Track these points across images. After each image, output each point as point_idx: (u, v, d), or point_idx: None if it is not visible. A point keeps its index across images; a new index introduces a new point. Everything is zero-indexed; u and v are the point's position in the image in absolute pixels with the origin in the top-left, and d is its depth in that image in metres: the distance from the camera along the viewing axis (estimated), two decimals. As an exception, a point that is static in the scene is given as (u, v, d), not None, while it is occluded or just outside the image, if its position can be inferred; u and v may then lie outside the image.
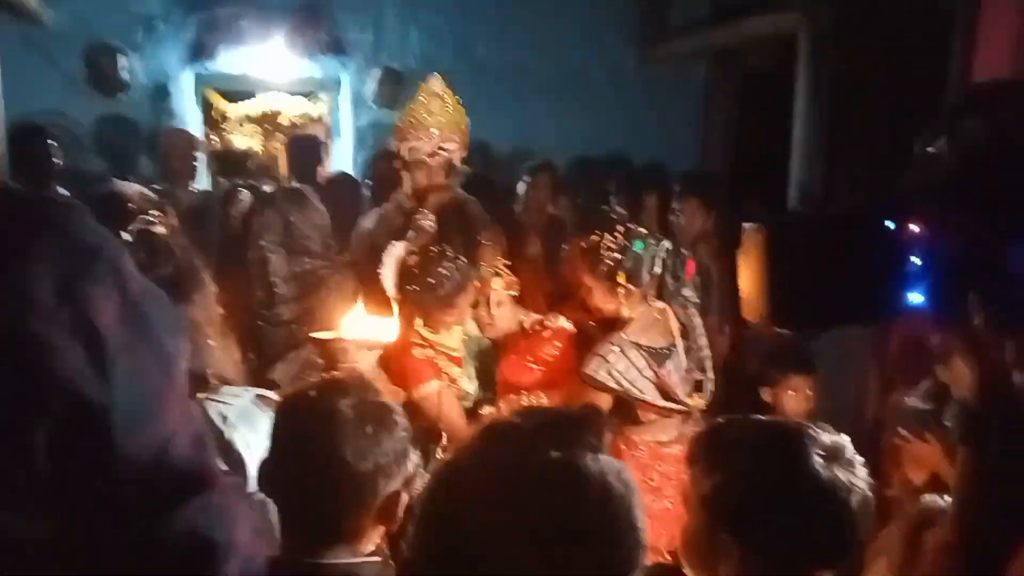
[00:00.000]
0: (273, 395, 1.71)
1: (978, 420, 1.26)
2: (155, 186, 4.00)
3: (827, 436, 1.25)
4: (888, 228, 1.27)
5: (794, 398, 2.78)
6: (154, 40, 5.60)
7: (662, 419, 2.48)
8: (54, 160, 4.24)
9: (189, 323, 1.61)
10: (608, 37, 6.44)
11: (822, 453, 1.22)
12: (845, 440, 1.27)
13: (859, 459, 1.26)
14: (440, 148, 2.90)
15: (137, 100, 5.60)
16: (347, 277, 2.78)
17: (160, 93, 5.66)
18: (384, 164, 4.31)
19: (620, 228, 2.42)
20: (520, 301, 2.74)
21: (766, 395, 2.83)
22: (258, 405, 1.64)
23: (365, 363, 2.09)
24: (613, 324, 2.55)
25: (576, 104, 6.22)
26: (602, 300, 2.45)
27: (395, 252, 2.59)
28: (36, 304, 0.65)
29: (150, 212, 1.89)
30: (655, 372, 2.39)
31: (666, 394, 2.42)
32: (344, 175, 4.94)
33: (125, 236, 1.70)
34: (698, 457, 1.31)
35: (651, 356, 2.40)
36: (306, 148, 4.79)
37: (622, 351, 2.37)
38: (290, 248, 2.74)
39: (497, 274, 2.61)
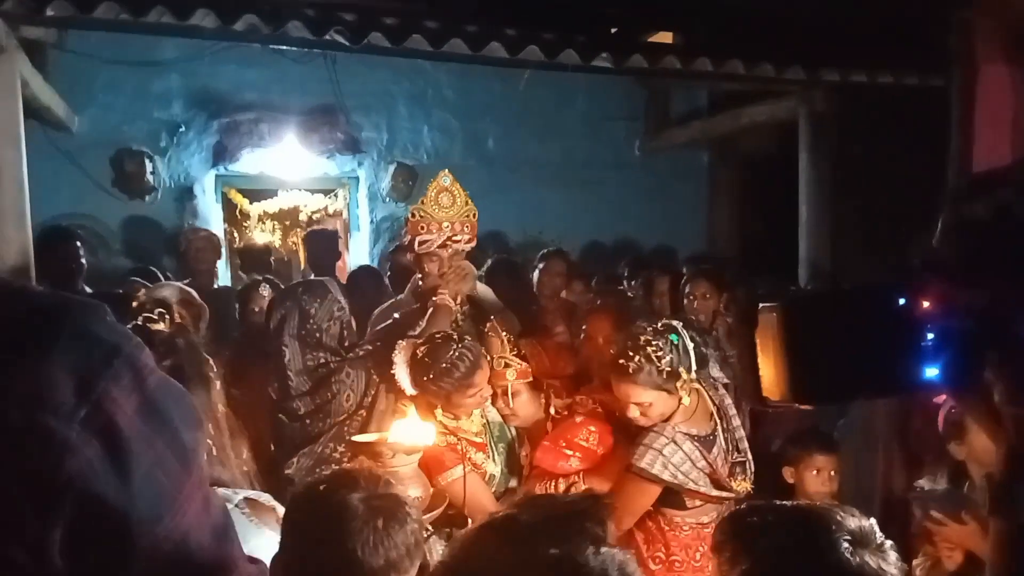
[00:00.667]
0: (265, 498, 1.66)
1: (1007, 491, 1.27)
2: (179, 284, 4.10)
3: (854, 520, 1.22)
4: (900, 304, 1.32)
5: (817, 478, 2.75)
6: (178, 144, 5.87)
7: (706, 504, 2.45)
8: (81, 261, 4.36)
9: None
10: (612, 127, 6.68)
11: (850, 539, 1.18)
12: (873, 524, 1.24)
13: (888, 543, 1.22)
14: (450, 240, 2.99)
15: (162, 201, 5.83)
16: (358, 370, 2.76)
17: (184, 194, 5.89)
18: (401, 257, 4.43)
19: (651, 329, 2.39)
20: (540, 385, 2.75)
21: (788, 475, 2.80)
22: (243, 510, 1.60)
23: (406, 468, 2.07)
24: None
25: (584, 192, 6.41)
26: (666, 405, 2.38)
27: (403, 350, 2.60)
28: (54, 402, 0.65)
29: (155, 311, 1.90)
30: (707, 462, 2.37)
31: (717, 482, 2.40)
32: (366, 267, 5.05)
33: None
34: (723, 545, 1.28)
35: (702, 445, 2.38)
36: (324, 241, 4.89)
37: (676, 444, 2.33)
38: (304, 341, 2.75)
39: (507, 365, 2.60)
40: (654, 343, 2.35)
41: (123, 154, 5.66)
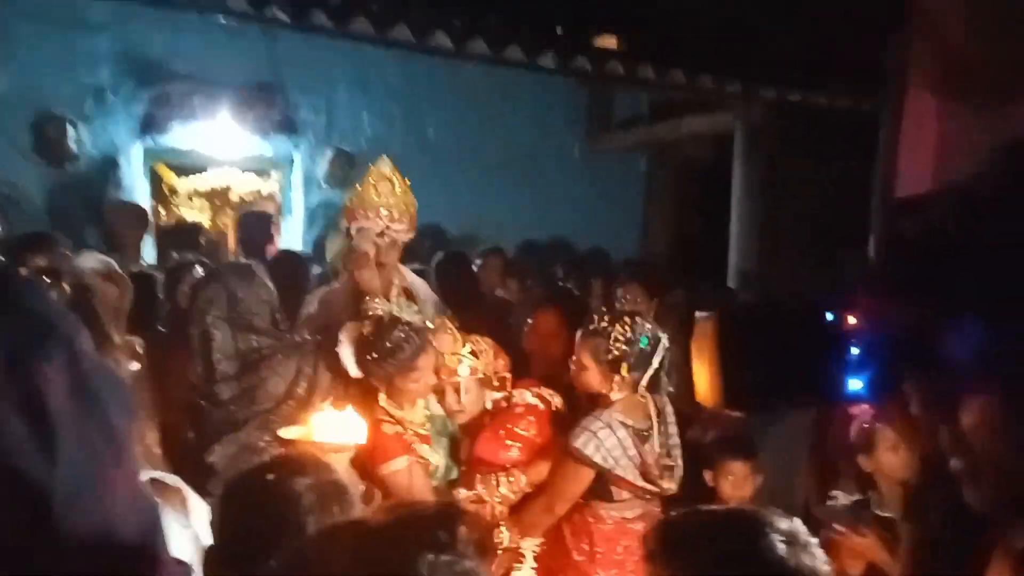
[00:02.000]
0: (172, 479, 1.62)
1: (921, 498, 1.32)
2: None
3: (784, 521, 1.24)
4: (828, 317, 1.37)
5: (733, 482, 2.84)
6: (104, 111, 5.58)
7: (632, 498, 2.51)
8: (-8, 228, 4.14)
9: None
10: (555, 124, 6.71)
11: (784, 539, 1.20)
12: (799, 524, 1.26)
13: (814, 541, 1.24)
14: (388, 228, 2.95)
15: (84, 170, 5.55)
16: (289, 357, 2.71)
17: (108, 165, 5.61)
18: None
19: (628, 320, 2.47)
20: (488, 380, 2.73)
21: (708, 478, 2.89)
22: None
23: (337, 465, 2.06)
24: (583, 401, 2.59)
25: (523, 187, 6.42)
26: (595, 381, 2.49)
27: (350, 330, 2.59)
28: None
29: (42, 279, 1.82)
30: (638, 452, 2.44)
31: (646, 475, 2.47)
32: (290, 252, 4.96)
33: None
34: (657, 554, 1.28)
35: (636, 436, 2.45)
36: (257, 224, 4.79)
37: (611, 429, 2.41)
38: (235, 324, 2.68)
39: (460, 361, 2.59)
40: (624, 329, 2.44)
41: (44, 117, 5.35)
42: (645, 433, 2.49)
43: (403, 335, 2.43)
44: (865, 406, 2.42)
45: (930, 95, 4.76)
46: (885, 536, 2.28)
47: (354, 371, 2.51)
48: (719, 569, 1.21)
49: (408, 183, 3.01)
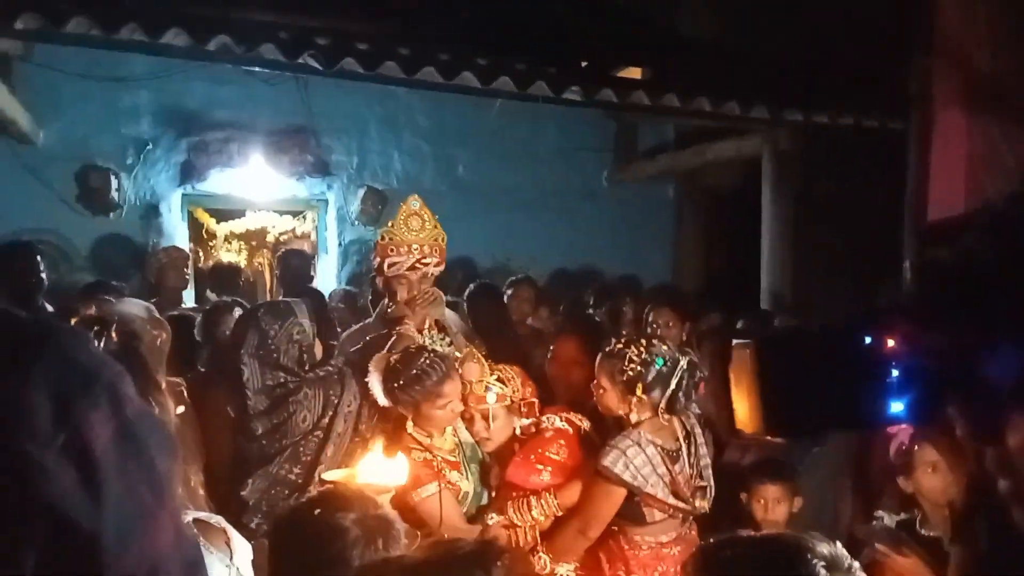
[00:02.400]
0: (216, 520, 1.64)
1: (969, 520, 1.31)
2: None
3: (825, 546, 1.23)
4: (867, 342, 1.38)
5: (764, 506, 2.83)
6: (145, 162, 5.80)
7: (665, 520, 2.51)
8: (41, 276, 4.27)
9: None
10: (582, 156, 6.78)
11: (825, 564, 1.19)
12: (841, 548, 1.25)
13: (856, 564, 1.24)
14: (419, 263, 3.02)
15: (126, 218, 5.74)
16: (317, 392, 2.76)
17: (149, 212, 5.81)
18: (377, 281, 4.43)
19: (644, 342, 2.51)
20: (517, 408, 2.76)
21: (744, 500, 2.88)
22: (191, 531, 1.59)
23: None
24: (610, 425, 2.61)
25: (553, 219, 6.48)
26: (613, 403, 2.52)
27: (379, 360, 2.63)
28: (32, 427, 0.66)
29: (92, 328, 1.87)
30: (668, 470, 2.45)
31: (676, 493, 2.47)
32: (312, 290, 5.03)
33: None
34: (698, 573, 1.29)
35: (665, 455, 2.47)
36: (297, 262, 4.85)
37: (640, 447, 2.43)
38: (263, 361, 2.74)
39: (487, 388, 2.63)
40: (639, 350, 2.48)
41: (88, 170, 5.57)
42: (675, 453, 2.50)
43: (428, 362, 2.47)
44: (904, 427, 2.41)
45: (958, 114, 4.75)
46: (929, 556, 2.25)
47: (382, 400, 2.55)
48: None
49: (437, 218, 3.09)
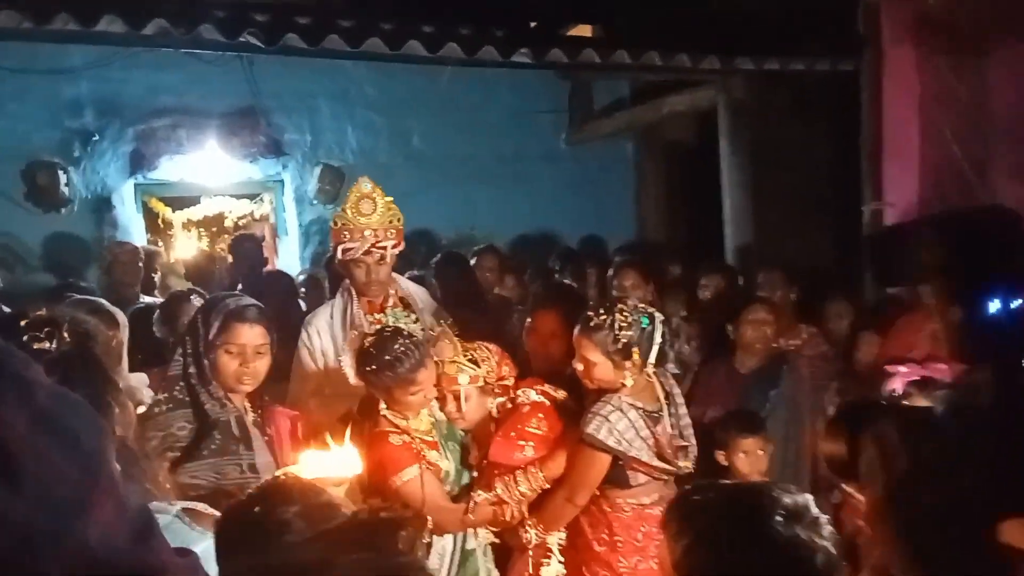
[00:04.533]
0: (201, 506, 1.63)
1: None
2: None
3: (788, 497, 1.29)
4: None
5: (746, 459, 2.89)
6: (92, 154, 5.66)
7: (649, 482, 2.53)
8: (-6, 280, 4.20)
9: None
10: (538, 120, 6.73)
11: (783, 513, 1.25)
12: (807, 499, 1.30)
13: (824, 517, 1.29)
14: (375, 247, 2.97)
15: (79, 213, 5.62)
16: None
17: (102, 205, 5.69)
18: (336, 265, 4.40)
19: (624, 306, 2.50)
20: (489, 388, 2.73)
21: (721, 458, 2.93)
22: (182, 519, 1.56)
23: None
24: (586, 392, 2.62)
25: (513, 186, 6.45)
26: (607, 374, 2.50)
27: (353, 340, 2.59)
28: None
29: (43, 329, 1.85)
30: (651, 432, 2.47)
31: (660, 455, 2.49)
32: (277, 272, 5.00)
33: None
34: (668, 522, 1.35)
35: (647, 417, 2.48)
36: (249, 247, 4.83)
37: (622, 412, 2.44)
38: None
39: (460, 369, 2.58)
40: (625, 314, 2.47)
41: (35, 166, 5.43)
42: (656, 415, 2.52)
43: (402, 348, 2.43)
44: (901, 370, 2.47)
45: (908, 51, 4.77)
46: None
47: (353, 380, 2.54)
48: (716, 537, 1.27)
49: (391, 199, 3.03)
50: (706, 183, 5.59)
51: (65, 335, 2.02)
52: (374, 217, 2.95)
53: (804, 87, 5.47)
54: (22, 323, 2.17)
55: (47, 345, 1.78)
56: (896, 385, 2.55)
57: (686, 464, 2.57)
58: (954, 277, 1.66)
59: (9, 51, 4.84)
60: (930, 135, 4.73)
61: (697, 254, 5.37)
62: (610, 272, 4.15)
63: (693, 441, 2.62)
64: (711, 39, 5.02)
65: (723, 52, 4.99)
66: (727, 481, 1.48)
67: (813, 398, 3.34)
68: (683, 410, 2.64)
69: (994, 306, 1.51)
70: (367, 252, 2.95)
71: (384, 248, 2.97)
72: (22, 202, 5.44)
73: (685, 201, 6.68)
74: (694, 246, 6.00)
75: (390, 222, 2.99)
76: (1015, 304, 1.49)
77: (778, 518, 1.24)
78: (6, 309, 4.01)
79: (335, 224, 3.01)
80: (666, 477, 2.56)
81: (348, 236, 2.95)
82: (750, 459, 2.88)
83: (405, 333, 2.52)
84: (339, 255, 3.01)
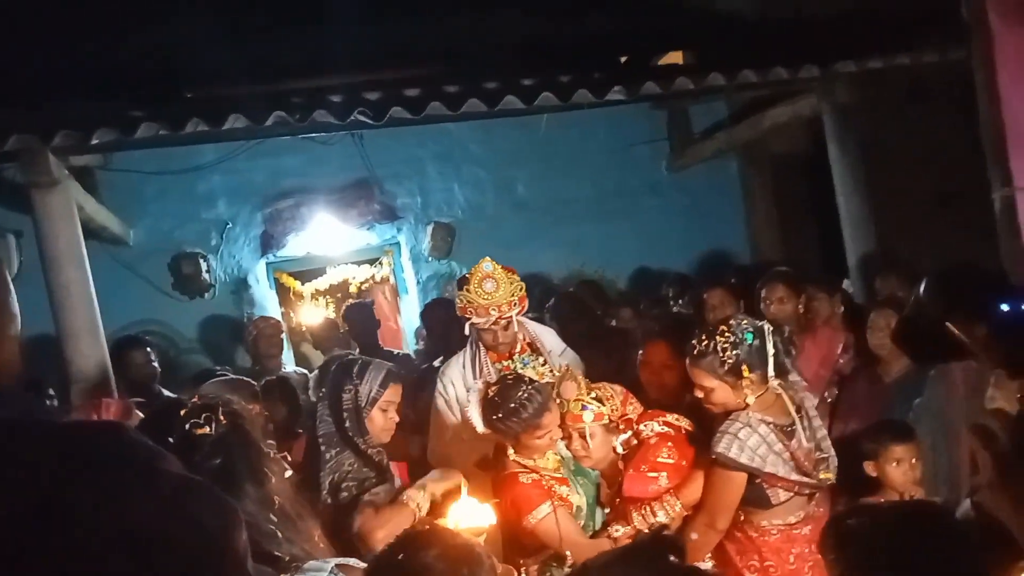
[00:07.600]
0: (354, 561, 1.74)
1: None
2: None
3: (954, 511, 1.32)
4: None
5: (898, 469, 2.75)
6: (228, 240, 6.16)
7: (791, 499, 2.47)
8: (154, 365, 4.58)
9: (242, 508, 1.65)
10: (638, 152, 6.73)
11: (954, 529, 1.26)
12: (967, 511, 1.33)
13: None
14: (500, 318, 3.11)
15: (220, 296, 6.11)
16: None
17: (240, 286, 6.15)
18: (437, 311, 4.62)
19: (724, 327, 2.50)
20: (615, 426, 2.75)
21: (870, 469, 2.79)
22: (336, 575, 1.68)
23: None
24: (711, 417, 2.60)
25: (619, 220, 6.47)
26: (726, 397, 2.49)
27: (479, 389, 2.69)
28: (77, 516, 0.72)
29: (201, 416, 1.99)
30: (785, 446, 2.42)
31: (799, 468, 2.43)
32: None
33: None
34: (826, 547, 1.34)
35: (779, 432, 2.44)
36: (360, 313, 5.01)
37: (751, 427, 2.41)
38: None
39: (584, 408, 2.63)
40: (727, 335, 2.46)
41: (179, 258, 5.95)
42: (789, 428, 2.46)
43: (526, 395, 2.49)
44: None
45: (1017, 30, 4.52)
46: None
47: (480, 428, 2.62)
48: (892, 563, 1.25)
49: (510, 273, 3.15)
50: (818, 192, 5.42)
51: (221, 417, 2.20)
52: (497, 295, 3.09)
53: (912, 81, 5.26)
54: (182, 412, 2.38)
55: (207, 430, 1.93)
56: None
57: (827, 476, 2.49)
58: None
59: (146, 157, 5.35)
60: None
61: (819, 267, 5.20)
62: (758, 286, 4.02)
63: (832, 452, 2.54)
64: (807, 47, 4.92)
65: (820, 58, 4.88)
66: (877, 500, 1.43)
67: (966, 407, 3.15)
68: (817, 422, 2.57)
69: None
70: (494, 322, 3.09)
71: (509, 317, 3.09)
72: (170, 292, 5.96)
73: (798, 213, 6.49)
74: (816, 260, 5.81)
75: (511, 295, 3.11)
76: None
77: (950, 533, 1.23)
78: (166, 392, 4.40)
79: (460, 302, 3.17)
80: (808, 491, 2.49)
81: (473, 313, 3.10)
82: (903, 468, 2.75)
83: (527, 379, 2.59)
84: (467, 330, 3.17)
